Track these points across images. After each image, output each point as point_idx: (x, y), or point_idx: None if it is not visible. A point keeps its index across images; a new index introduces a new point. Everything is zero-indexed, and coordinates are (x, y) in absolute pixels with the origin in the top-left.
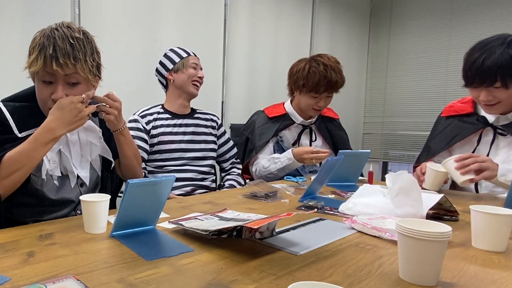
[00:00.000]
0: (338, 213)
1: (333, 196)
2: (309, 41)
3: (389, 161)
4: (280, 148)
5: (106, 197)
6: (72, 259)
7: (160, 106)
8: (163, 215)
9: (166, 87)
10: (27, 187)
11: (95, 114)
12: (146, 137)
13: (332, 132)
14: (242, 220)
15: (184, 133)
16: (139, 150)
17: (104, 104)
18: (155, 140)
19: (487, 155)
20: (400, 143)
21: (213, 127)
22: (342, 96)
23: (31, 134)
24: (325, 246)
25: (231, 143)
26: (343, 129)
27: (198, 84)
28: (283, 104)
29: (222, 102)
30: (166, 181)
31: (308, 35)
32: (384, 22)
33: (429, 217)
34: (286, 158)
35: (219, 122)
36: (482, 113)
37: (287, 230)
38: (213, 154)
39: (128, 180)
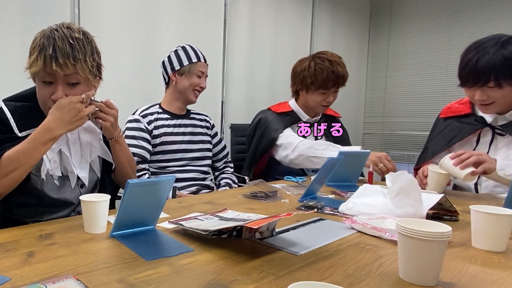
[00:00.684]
0: (338, 213)
1: (333, 196)
2: (309, 41)
3: None
4: None
5: (106, 197)
6: (72, 259)
7: (158, 106)
8: (163, 215)
9: (167, 83)
10: (27, 186)
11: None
12: (148, 137)
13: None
14: (242, 220)
15: (184, 134)
16: (142, 150)
17: (100, 110)
18: (158, 140)
19: None
20: (400, 143)
21: (207, 127)
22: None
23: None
24: (325, 246)
25: (223, 143)
26: (344, 128)
27: (198, 92)
28: (288, 102)
29: (222, 102)
30: (166, 181)
31: (308, 35)
32: (384, 22)
33: (429, 217)
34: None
35: (212, 122)
36: (480, 113)
37: (287, 230)
38: (210, 154)
39: (128, 180)
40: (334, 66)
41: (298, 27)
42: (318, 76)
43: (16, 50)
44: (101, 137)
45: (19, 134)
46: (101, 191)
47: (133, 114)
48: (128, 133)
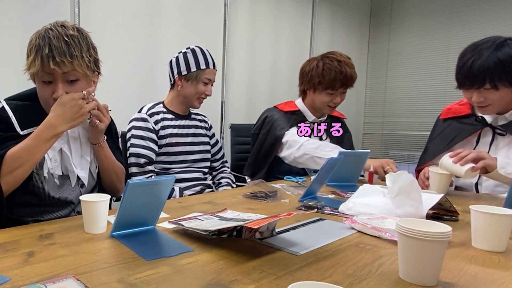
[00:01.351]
0: (338, 213)
1: (333, 196)
2: (309, 41)
3: None
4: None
5: (106, 197)
6: (72, 259)
7: (162, 105)
8: (163, 215)
9: (172, 85)
10: (28, 185)
11: None
12: (155, 138)
13: (339, 136)
14: (242, 220)
15: (187, 135)
16: (150, 152)
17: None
18: (164, 141)
19: None
20: (400, 143)
21: (206, 128)
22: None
23: (33, 132)
24: (325, 246)
25: (219, 143)
26: (348, 130)
27: (203, 99)
28: (294, 102)
29: (222, 102)
30: (166, 181)
31: (308, 35)
32: (384, 22)
33: (429, 217)
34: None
35: (210, 123)
36: (480, 114)
37: (287, 230)
38: (209, 155)
39: (128, 180)
40: (343, 67)
41: (298, 27)
42: (326, 76)
43: (16, 51)
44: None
45: (21, 132)
46: (100, 191)
47: (139, 112)
48: (135, 132)
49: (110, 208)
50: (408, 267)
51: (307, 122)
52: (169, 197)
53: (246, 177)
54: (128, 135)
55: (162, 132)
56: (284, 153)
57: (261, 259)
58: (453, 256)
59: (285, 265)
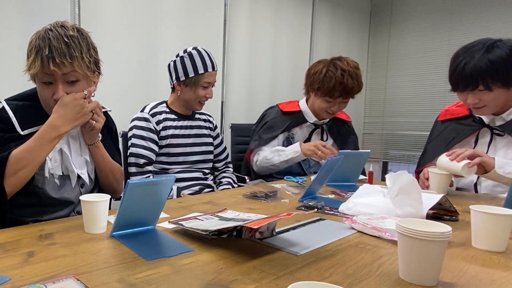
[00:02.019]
0: (338, 213)
1: (333, 196)
2: (309, 41)
3: (389, 161)
4: (290, 145)
5: (106, 197)
6: (72, 259)
7: (165, 105)
8: (163, 215)
9: (172, 88)
10: (29, 186)
11: None
12: (156, 138)
13: (343, 135)
14: (242, 220)
15: (189, 136)
16: (150, 152)
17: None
18: (164, 142)
19: None
20: (400, 143)
21: (210, 128)
22: None
23: (34, 132)
24: (325, 246)
25: (224, 144)
26: (354, 133)
27: (204, 102)
28: (298, 102)
29: (222, 102)
30: (166, 181)
31: (308, 35)
32: (384, 22)
33: (429, 217)
34: (292, 151)
35: (215, 123)
36: (477, 115)
37: (287, 230)
38: (211, 156)
39: (128, 180)
40: (345, 77)
41: (298, 27)
42: (325, 84)
43: (16, 51)
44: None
45: (22, 133)
46: (99, 192)
47: (142, 111)
48: (136, 132)
49: (110, 208)
50: (408, 267)
51: (307, 123)
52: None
53: (246, 177)
54: (130, 134)
55: (163, 133)
56: (253, 160)
57: (261, 259)
58: (453, 256)
59: (285, 265)
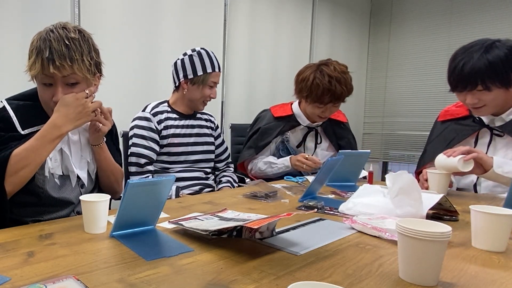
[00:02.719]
0: (338, 213)
1: (333, 196)
2: (309, 41)
3: (389, 161)
4: (285, 148)
5: (106, 197)
6: (72, 259)
7: (167, 104)
8: (163, 215)
9: (176, 87)
10: (29, 185)
11: None
12: (157, 138)
13: (339, 136)
14: (242, 220)
15: (190, 135)
16: (150, 152)
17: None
18: (165, 141)
19: None
20: (400, 143)
21: (212, 128)
22: None
23: (34, 131)
24: (325, 246)
25: (225, 144)
26: (351, 133)
27: (207, 102)
28: (291, 104)
29: (222, 102)
30: (166, 181)
31: (308, 35)
32: (384, 22)
33: (429, 217)
34: (283, 165)
35: (216, 123)
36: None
37: (287, 230)
38: (213, 156)
39: (128, 180)
40: (332, 84)
41: (298, 27)
42: (313, 91)
43: (17, 51)
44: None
45: (22, 132)
46: (100, 191)
47: (143, 111)
48: (137, 131)
49: (110, 208)
50: (408, 267)
51: (301, 126)
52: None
53: (246, 178)
54: (130, 133)
55: (164, 132)
56: (248, 168)
57: (261, 259)
58: (453, 256)
59: (285, 265)
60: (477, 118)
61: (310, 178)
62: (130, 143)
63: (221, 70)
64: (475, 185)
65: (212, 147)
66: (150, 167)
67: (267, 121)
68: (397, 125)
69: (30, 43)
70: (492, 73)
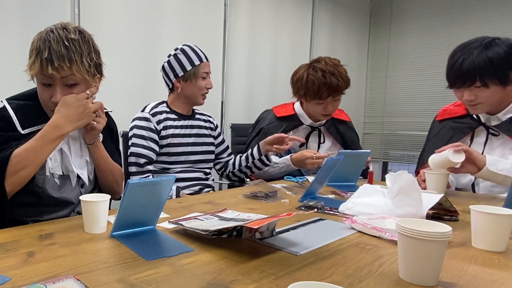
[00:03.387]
0: (338, 213)
1: (333, 196)
2: (309, 41)
3: (389, 161)
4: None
5: (106, 197)
6: (72, 259)
7: (166, 105)
8: (163, 215)
9: (171, 89)
10: (29, 185)
11: None
12: (157, 138)
13: (344, 134)
14: (242, 220)
15: (190, 135)
16: (150, 152)
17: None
18: (165, 141)
19: None
20: (400, 143)
21: (211, 129)
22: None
23: (34, 131)
24: (325, 246)
25: (225, 143)
26: (355, 131)
27: (206, 95)
28: (293, 104)
29: (222, 102)
30: (166, 181)
31: (308, 35)
32: (384, 22)
33: (429, 217)
34: (284, 164)
35: (215, 123)
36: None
37: (287, 230)
38: (212, 156)
39: (128, 180)
40: (327, 77)
41: (298, 27)
42: (310, 88)
43: (17, 51)
44: (100, 139)
45: (22, 132)
46: (100, 192)
47: (142, 111)
48: (136, 131)
49: (110, 208)
50: (408, 267)
51: (303, 126)
52: None
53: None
54: (130, 134)
55: (163, 132)
56: None
57: (261, 259)
58: (453, 256)
59: (285, 265)
60: (475, 117)
61: (310, 178)
62: (129, 143)
63: (208, 60)
64: (473, 185)
65: (212, 148)
66: (150, 167)
67: (270, 121)
68: (397, 125)
69: (31, 43)
70: (491, 69)
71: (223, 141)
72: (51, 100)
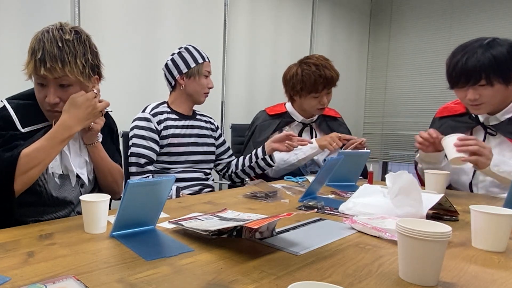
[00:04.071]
0: (338, 213)
1: (333, 196)
2: (309, 41)
3: (389, 161)
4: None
5: (106, 197)
6: (72, 259)
7: (166, 105)
8: (163, 215)
9: (173, 87)
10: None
11: None
12: (157, 138)
13: (335, 129)
14: (242, 220)
15: (190, 135)
16: (150, 152)
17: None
18: (165, 141)
19: None
20: (400, 143)
21: (212, 129)
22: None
23: (34, 130)
24: (325, 246)
25: (227, 144)
26: (347, 127)
27: (207, 94)
28: (285, 104)
29: (222, 102)
30: (166, 181)
31: (308, 35)
32: (384, 22)
33: (429, 217)
34: (309, 147)
35: (216, 124)
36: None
37: (287, 230)
38: (213, 157)
39: (128, 180)
40: (321, 70)
41: (298, 27)
42: (306, 82)
43: (16, 50)
44: (100, 139)
45: (22, 130)
46: (100, 192)
47: (143, 111)
48: (137, 132)
49: (110, 208)
50: (408, 267)
51: (295, 122)
52: None
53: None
54: (131, 134)
55: (164, 132)
56: None
57: (261, 259)
58: (453, 256)
59: (285, 265)
60: (473, 116)
61: (310, 178)
62: (130, 143)
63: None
64: (470, 184)
65: (212, 148)
66: (150, 167)
67: (263, 119)
68: (397, 125)
69: (30, 42)
70: (496, 68)
71: (224, 142)
72: (45, 100)
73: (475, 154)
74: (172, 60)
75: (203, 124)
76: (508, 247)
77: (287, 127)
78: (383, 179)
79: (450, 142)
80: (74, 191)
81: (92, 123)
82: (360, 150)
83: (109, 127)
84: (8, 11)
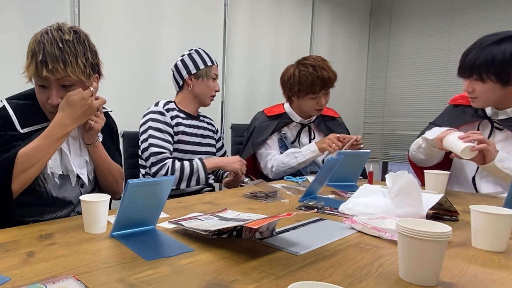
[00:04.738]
0: (338, 213)
1: (333, 196)
2: (309, 41)
3: (389, 161)
4: (283, 145)
5: (106, 197)
6: (72, 259)
7: (174, 104)
8: (163, 215)
9: (180, 87)
10: (30, 184)
11: None
12: (172, 132)
13: (333, 129)
14: (242, 220)
15: (196, 135)
16: (169, 144)
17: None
18: (176, 138)
19: None
20: (400, 143)
21: (213, 131)
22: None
23: (34, 130)
24: (325, 246)
25: (224, 149)
26: (345, 127)
27: (213, 97)
28: (283, 104)
29: (222, 102)
30: (166, 181)
31: (308, 35)
32: (384, 22)
33: (429, 217)
34: (309, 151)
35: (216, 127)
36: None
37: (287, 230)
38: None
39: (128, 180)
40: (318, 71)
41: (298, 27)
42: (303, 83)
43: (16, 51)
44: (100, 139)
45: (21, 130)
46: (100, 192)
47: (156, 105)
48: (153, 124)
49: (110, 208)
50: (408, 267)
51: (293, 123)
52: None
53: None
54: (145, 127)
55: (175, 129)
56: (262, 169)
57: (261, 259)
58: (453, 256)
59: (285, 265)
60: (481, 109)
61: (310, 178)
62: (144, 136)
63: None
64: (474, 183)
65: (213, 149)
66: (171, 159)
67: (261, 120)
68: (397, 125)
69: (28, 44)
70: (490, 66)
71: (222, 147)
72: (48, 102)
73: (481, 143)
74: (182, 60)
75: (206, 125)
76: (508, 247)
77: (285, 128)
78: (383, 179)
79: (454, 137)
80: (74, 191)
81: (93, 123)
82: (360, 150)
83: (109, 127)
84: (8, 11)
